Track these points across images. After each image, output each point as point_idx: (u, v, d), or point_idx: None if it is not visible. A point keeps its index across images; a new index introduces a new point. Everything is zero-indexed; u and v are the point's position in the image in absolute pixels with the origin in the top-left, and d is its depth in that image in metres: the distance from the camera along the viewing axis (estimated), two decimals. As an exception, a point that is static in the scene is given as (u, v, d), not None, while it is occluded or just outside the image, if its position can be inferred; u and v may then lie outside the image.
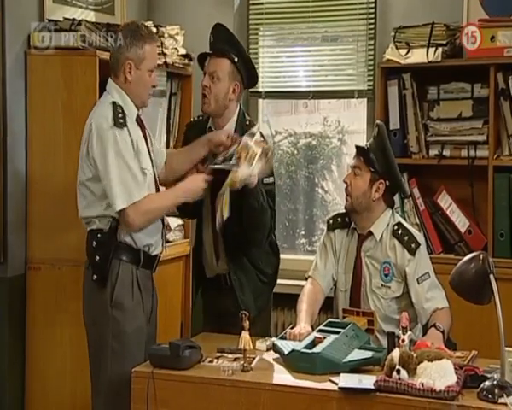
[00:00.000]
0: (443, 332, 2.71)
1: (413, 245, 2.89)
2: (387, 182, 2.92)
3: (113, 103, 2.83)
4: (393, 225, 2.93)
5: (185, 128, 3.42)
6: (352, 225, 3.00)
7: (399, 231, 2.91)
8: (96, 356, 2.87)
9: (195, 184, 2.95)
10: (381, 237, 2.93)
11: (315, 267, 3.06)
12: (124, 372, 2.71)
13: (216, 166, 2.97)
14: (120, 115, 2.80)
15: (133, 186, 2.78)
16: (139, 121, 2.92)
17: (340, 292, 3.00)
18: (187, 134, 3.32)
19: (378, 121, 3.15)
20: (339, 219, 3.05)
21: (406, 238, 2.90)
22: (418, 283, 2.86)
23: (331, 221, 3.07)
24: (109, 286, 2.81)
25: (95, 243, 2.83)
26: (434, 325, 2.73)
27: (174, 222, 3.81)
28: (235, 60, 3.09)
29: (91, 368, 2.89)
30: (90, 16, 3.73)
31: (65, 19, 3.48)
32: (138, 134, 2.88)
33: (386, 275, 2.91)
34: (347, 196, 2.95)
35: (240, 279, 3.13)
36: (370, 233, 2.95)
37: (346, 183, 2.96)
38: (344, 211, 3.04)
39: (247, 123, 3.17)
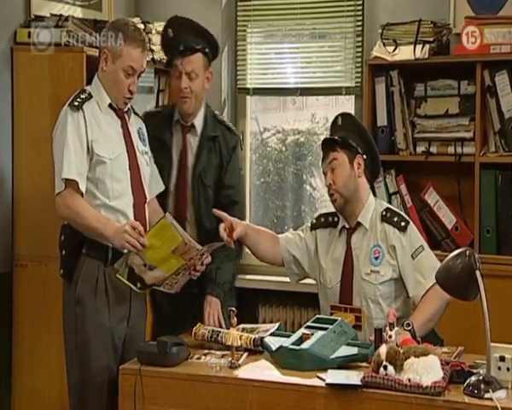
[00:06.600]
0: (411, 330, 2.64)
1: (403, 223, 2.89)
2: (364, 156, 2.92)
3: (82, 90, 2.83)
4: (381, 212, 2.93)
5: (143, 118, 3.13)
6: (340, 225, 2.98)
7: (388, 215, 2.91)
8: (66, 353, 2.84)
9: (119, 238, 2.66)
10: (371, 225, 2.92)
11: (286, 236, 3.08)
12: (88, 371, 2.71)
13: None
14: (79, 99, 2.76)
15: (65, 169, 2.68)
16: (118, 112, 2.84)
17: (328, 289, 2.98)
18: (145, 123, 3.07)
19: (347, 112, 3.16)
20: (322, 219, 3.05)
21: (395, 219, 2.90)
22: (413, 258, 2.86)
23: (314, 221, 3.08)
24: (74, 282, 2.76)
25: (63, 237, 2.80)
26: (403, 325, 2.66)
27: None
28: (206, 50, 3.07)
29: (66, 365, 2.86)
30: (77, 12, 3.71)
31: (52, 15, 3.47)
32: (110, 122, 2.81)
33: (376, 258, 2.90)
34: (334, 193, 2.91)
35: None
36: (359, 224, 2.95)
37: (329, 184, 2.91)
38: (328, 212, 3.05)
39: (215, 113, 3.16)
